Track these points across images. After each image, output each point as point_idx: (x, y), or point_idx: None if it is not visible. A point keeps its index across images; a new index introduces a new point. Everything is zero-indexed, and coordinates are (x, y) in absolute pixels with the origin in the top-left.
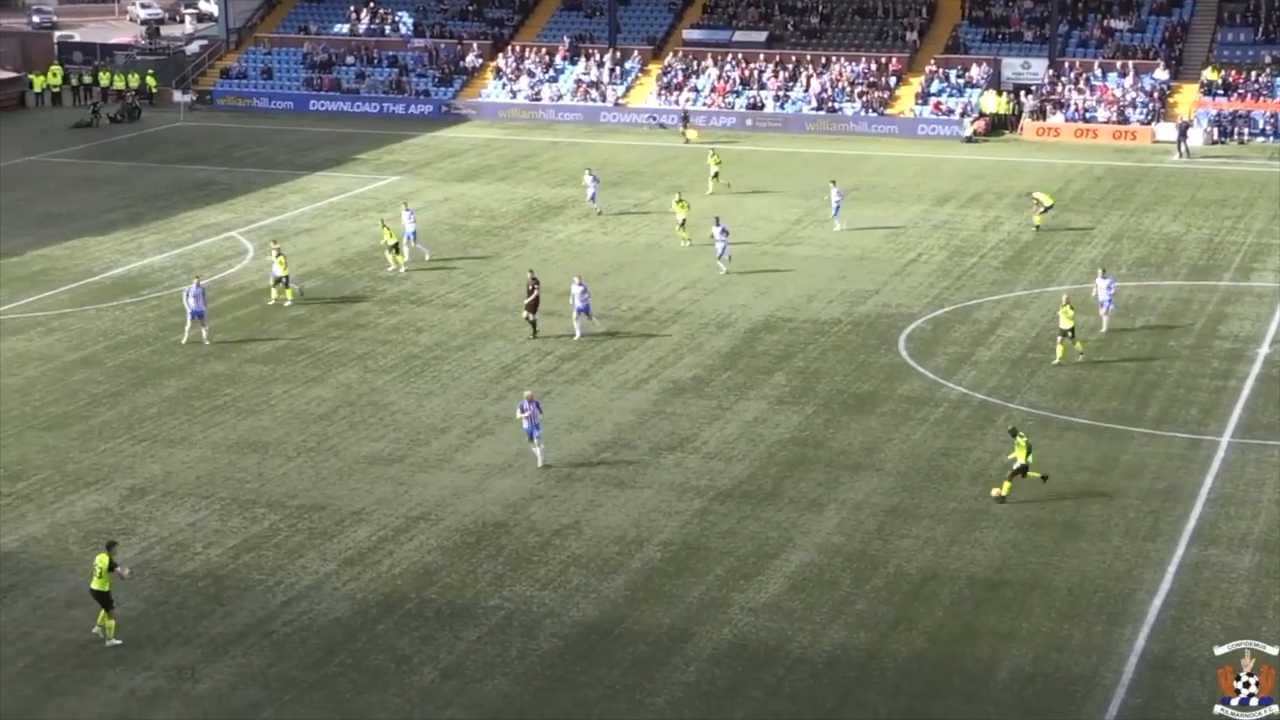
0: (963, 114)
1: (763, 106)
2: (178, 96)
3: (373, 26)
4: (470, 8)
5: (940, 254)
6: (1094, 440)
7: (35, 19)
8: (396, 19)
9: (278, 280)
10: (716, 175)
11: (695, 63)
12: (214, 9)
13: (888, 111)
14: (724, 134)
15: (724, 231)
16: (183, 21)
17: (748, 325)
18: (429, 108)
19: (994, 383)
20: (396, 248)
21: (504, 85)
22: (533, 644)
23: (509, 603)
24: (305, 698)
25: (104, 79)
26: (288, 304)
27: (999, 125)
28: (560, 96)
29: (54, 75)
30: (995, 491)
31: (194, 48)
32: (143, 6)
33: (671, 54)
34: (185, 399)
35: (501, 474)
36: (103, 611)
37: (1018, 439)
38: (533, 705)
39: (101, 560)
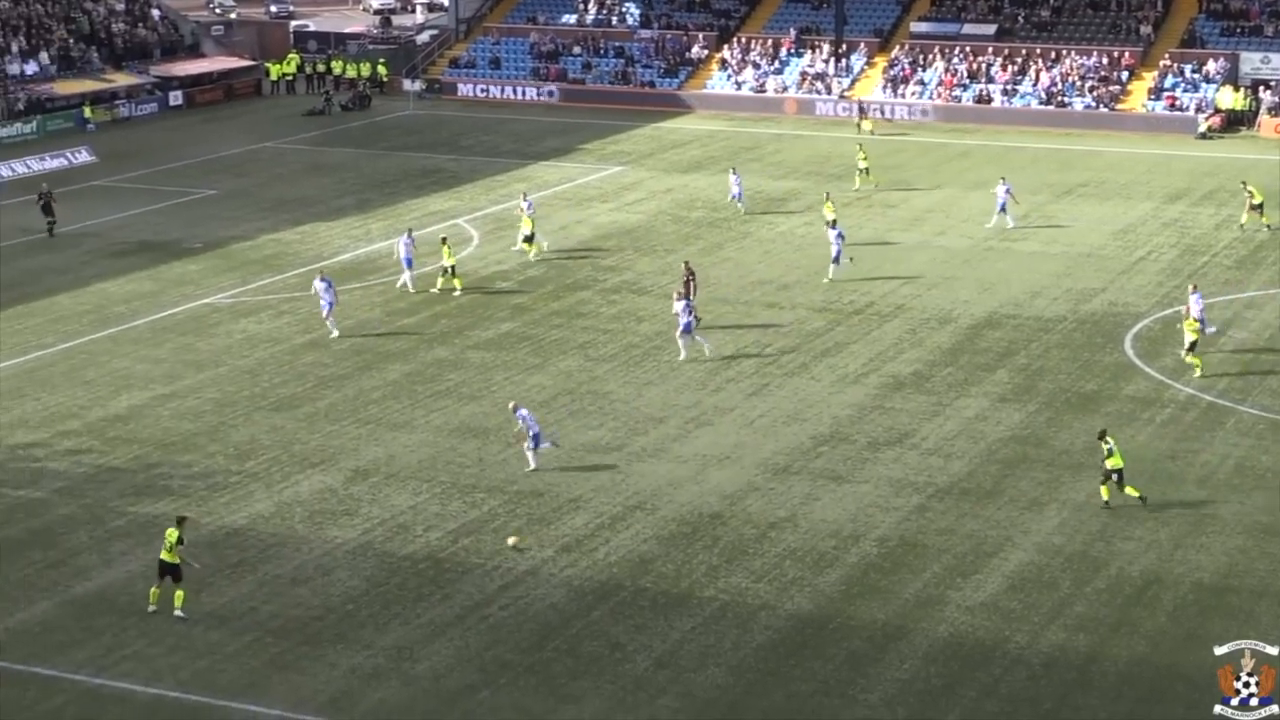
0: (1197, 110)
1: (990, 100)
2: (407, 85)
3: (600, 17)
4: None
5: (1170, 252)
6: None
7: (273, 9)
8: (624, 10)
9: (446, 270)
10: (865, 171)
11: (922, 55)
12: None
13: (1119, 106)
14: (904, 125)
15: (840, 236)
16: (414, 11)
17: (970, 321)
18: (653, 98)
19: (1224, 384)
20: (531, 238)
21: (729, 77)
22: (746, 636)
23: (724, 594)
24: (520, 681)
25: (336, 68)
26: (457, 293)
27: (1235, 121)
28: (785, 89)
29: (289, 64)
30: (1132, 493)
31: (424, 37)
32: None
33: (898, 46)
34: (409, 383)
35: (719, 465)
36: (163, 583)
37: (1104, 443)
38: (745, 697)
39: (171, 534)
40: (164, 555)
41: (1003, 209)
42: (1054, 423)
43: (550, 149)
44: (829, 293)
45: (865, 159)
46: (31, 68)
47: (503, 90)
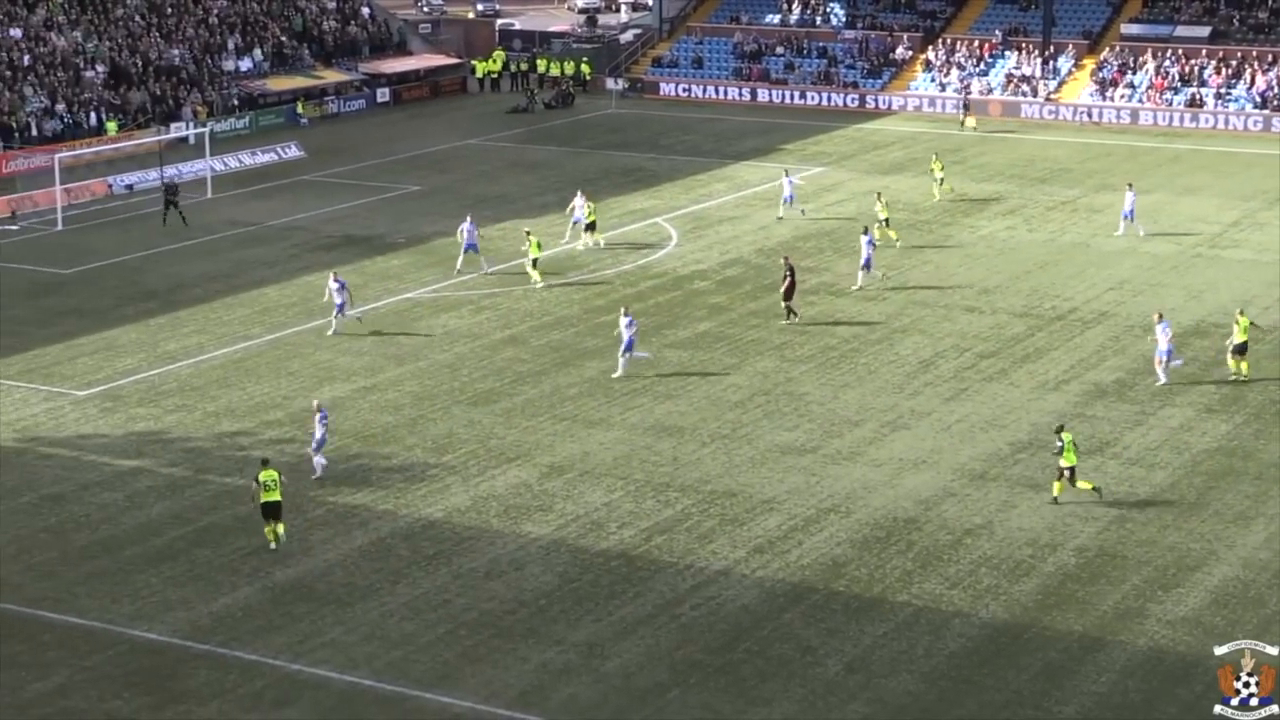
0: None
1: (1203, 104)
2: (610, 84)
3: (804, 17)
4: None
5: None
6: None
7: (480, 7)
8: (828, 10)
9: (534, 263)
10: (942, 181)
11: (1132, 58)
12: None
13: None
14: (1012, 122)
15: (871, 243)
16: (618, 10)
17: (1176, 329)
18: (856, 99)
19: None
20: (593, 226)
21: (933, 78)
22: (939, 643)
23: (917, 600)
24: (710, 682)
25: (541, 66)
26: (540, 285)
27: None
28: (990, 90)
29: (495, 62)
30: (1085, 486)
31: (628, 36)
32: None
33: (1108, 48)
34: (605, 381)
35: (915, 469)
36: (270, 524)
37: (1062, 436)
38: (937, 705)
39: (271, 474)
40: (268, 497)
41: (1129, 216)
42: (1263, 435)
43: (751, 149)
44: (1030, 298)
45: (942, 169)
46: (246, 64)
47: (704, 90)
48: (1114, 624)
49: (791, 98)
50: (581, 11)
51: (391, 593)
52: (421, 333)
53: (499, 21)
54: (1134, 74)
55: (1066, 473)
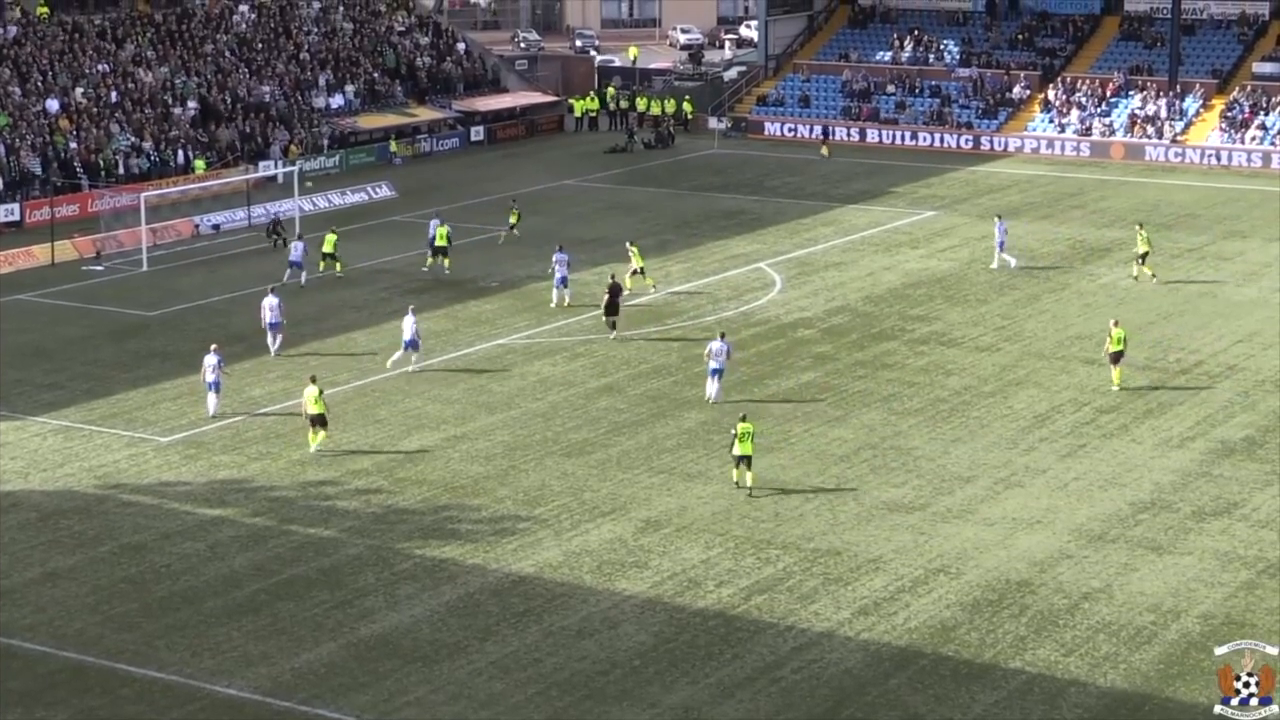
0: None
1: None
2: (712, 123)
3: (916, 54)
4: (1020, 36)
5: None
6: None
7: (577, 44)
8: (942, 47)
9: (325, 256)
10: (513, 228)
11: (1265, 98)
12: (754, 35)
13: None
14: (1241, 173)
15: (564, 261)
16: (722, 47)
17: None
18: (970, 140)
19: None
20: (441, 251)
21: (1051, 119)
22: (1055, 712)
23: (1031, 667)
24: None
25: (641, 104)
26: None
27: None
28: (1112, 132)
29: (592, 100)
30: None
31: (732, 74)
32: (683, 32)
33: (1238, 88)
34: (704, 432)
35: (1029, 529)
36: (314, 430)
37: (741, 424)
38: None
39: (313, 393)
40: (315, 409)
41: (1001, 247)
42: None
43: (859, 191)
44: (1153, 350)
45: (517, 217)
46: (337, 101)
47: (811, 130)
48: None
49: (902, 138)
50: (684, 48)
51: (480, 650)
52: (514, 380)
53: (598, 58)
54: (1266, 115)
55: (741, 462)
